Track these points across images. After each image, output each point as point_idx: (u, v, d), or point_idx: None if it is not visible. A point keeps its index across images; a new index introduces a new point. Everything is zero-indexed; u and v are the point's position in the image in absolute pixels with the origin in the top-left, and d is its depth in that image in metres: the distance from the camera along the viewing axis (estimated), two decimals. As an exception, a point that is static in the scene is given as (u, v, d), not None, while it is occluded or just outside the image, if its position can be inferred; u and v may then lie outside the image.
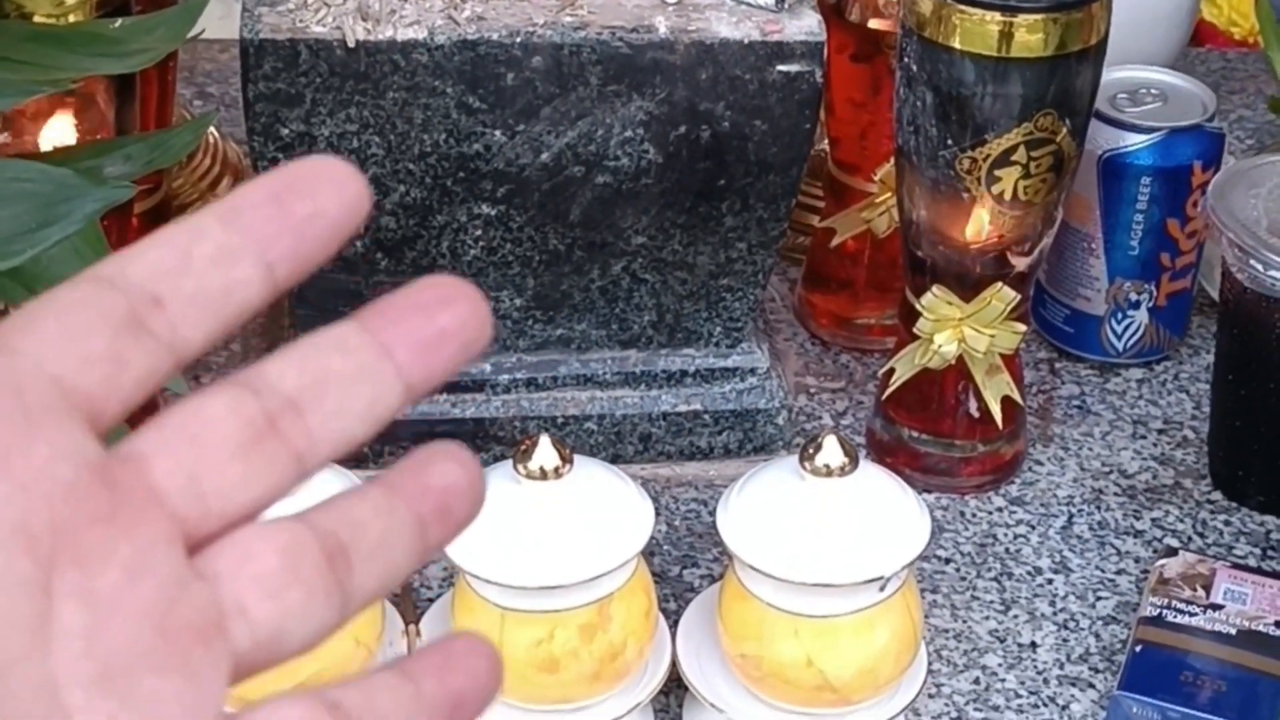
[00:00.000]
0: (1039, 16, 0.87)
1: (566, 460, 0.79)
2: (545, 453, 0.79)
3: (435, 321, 0.36)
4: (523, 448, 0.79)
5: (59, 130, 0.92)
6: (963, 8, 0.87)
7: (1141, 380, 1.09)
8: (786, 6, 0.91)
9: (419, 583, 0.92)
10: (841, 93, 1.04)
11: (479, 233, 0.93)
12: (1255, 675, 0.87)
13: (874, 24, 1.02)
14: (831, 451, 0.79)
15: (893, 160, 1.03)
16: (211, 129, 1.20)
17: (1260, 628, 0.89)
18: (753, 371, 1.00)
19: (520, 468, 0.79)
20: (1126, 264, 1.05)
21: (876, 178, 1.05)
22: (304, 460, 0.35)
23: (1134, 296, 1.06)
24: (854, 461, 0.80)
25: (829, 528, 0.80)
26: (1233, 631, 0.88)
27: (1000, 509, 0.99)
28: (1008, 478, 1.01)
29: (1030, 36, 0.87)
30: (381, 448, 0.95)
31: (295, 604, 0.34)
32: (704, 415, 0.99)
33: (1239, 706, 0.85)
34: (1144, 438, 1.04)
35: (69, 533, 0.32)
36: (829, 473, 0.79)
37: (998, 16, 0.87)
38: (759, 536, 0.80)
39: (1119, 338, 1.08)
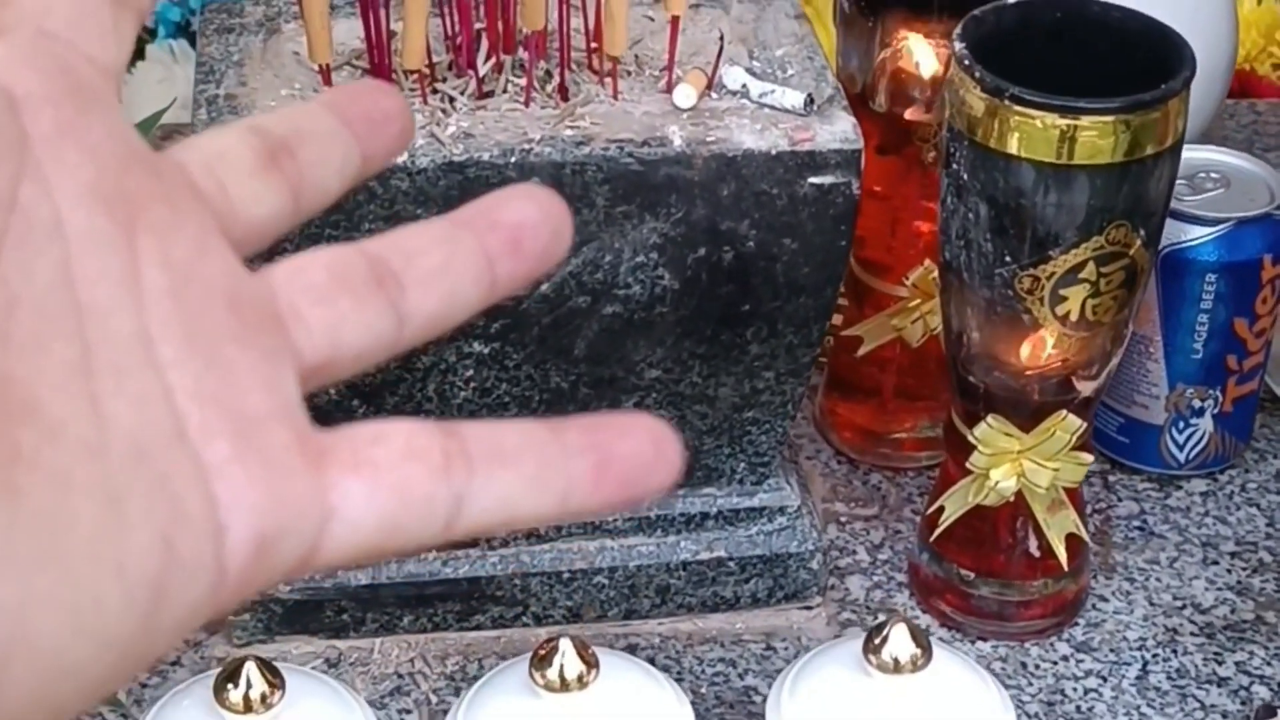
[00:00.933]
0: (1108, 118, 0.75)
1: (591, 665, 0.68)
2: (568, 658, 0.67)
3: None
4: (540, 653, 0.68)
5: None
6: (1021, 108, 0.76)
7: (1206, 493, 0.98)
8: (816, 108, 0.79)
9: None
10: (866, 187, 0.93)
11: (470, 373, 0.82)
12: None
13: (904, 114, 0.90)
14: (900, 642, 0.68)
15: (925, 264, 0.93)
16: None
17: (1379, 803, 0.78)
18: (782, 511, 0.88)
19: (537, 676, 0.67)
20: (1189, 368, 0.94)
21: (909, 281, 0.93)
22: (302, 184, 0.36)
23: (1197, 404, 0.95)
24: (927, 653, 0.68)
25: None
26: (1349, 810, 0.78)
27: (1066, 657, 0.88)
28: (1071, 619, 0.90)
29: (1099, 140, 0.76)
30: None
31: (348, 311, 0.34)
32: (729, 562, 0.88)
33: None
34: (1216, 563, 0.93)
35: (138, 202, 0.33)
36: (899, 667, 0.68)
37: (1060, 119, 0.76)
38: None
39: (1180, 448, 0.97)
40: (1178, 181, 0.92)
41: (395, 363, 0.80)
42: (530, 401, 0.83)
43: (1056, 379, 0.83)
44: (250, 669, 0.69)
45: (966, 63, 0.77)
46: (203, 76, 0.80)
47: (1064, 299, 0.79)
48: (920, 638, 0.68)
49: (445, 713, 0.79)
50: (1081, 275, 0.79)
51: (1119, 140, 0.76)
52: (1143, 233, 0.79)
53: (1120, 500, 0.97)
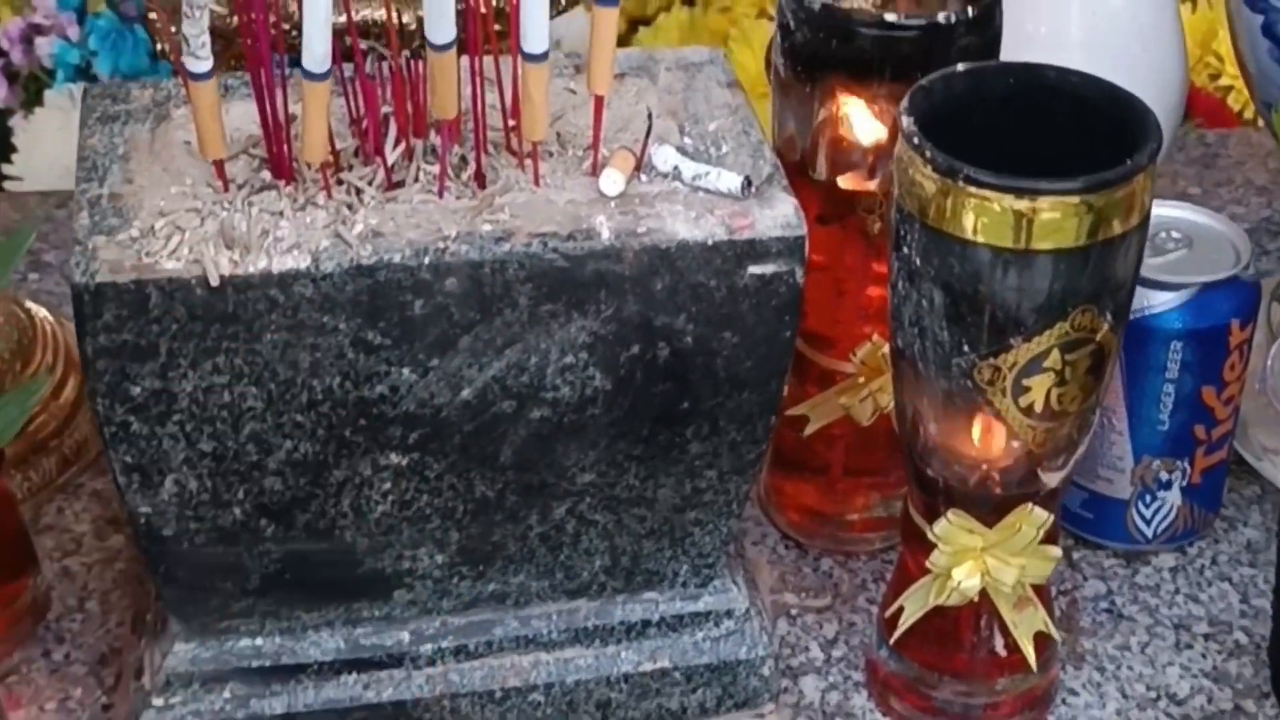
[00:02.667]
0: (1071, 199, 0.70)
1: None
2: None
3: None
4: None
5: None
6: (976, 189, 0.70)
7: (1175, 569, 0.92)
8: (754, 190, 0.73)
9: None
10: (808, 257, 0.87)
11: (388, 486, 0.75)
12: None
13: (844, 183, 0.84)
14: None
15: (874, 339, 0.87)
16: (46, 315, 1.01)
17: None
18: (729, 614, 0.82)
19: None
20: (1155, 440, 0.89)
21: (856, 358, 0.87)
22: None
23: (1164, 476, 0.90)
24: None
25: None
26: None
27: (1036, 760, 0.83)
28: (1040, 717, 0.84)
29: (1062, 221, 0.70)
30: None
31: None
32: (674, 673, 0.82)
33: None
34: (1190, 646, 0.88)
35: None
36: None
37: (1017, 201, 0.70)
38: None
39: (1148, 523, 0.91)
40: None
41: (305, 479, 0.74)
42: (454, 512, 0.76)
43: (1021, 472, 0.77)
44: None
45: (916, 141, 0.71)
46: (84, 174, 0.73)
47: (1027, 389, 0.73)
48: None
49: None
50: (1046, 364, 0.73)
51: (1082, 221, 0.70)
52: (1110, 316, 0.73)
53: (1086, 580, 0.91)
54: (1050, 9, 1.01)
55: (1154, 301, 0.86)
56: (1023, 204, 0.69)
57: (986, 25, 0.81)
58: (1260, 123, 1.17)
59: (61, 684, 0.85)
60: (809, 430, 0.90)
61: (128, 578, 0.89)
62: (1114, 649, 0.88)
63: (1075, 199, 0.69)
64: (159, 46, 0.94)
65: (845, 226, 0.85)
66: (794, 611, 0.89)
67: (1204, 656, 0.88)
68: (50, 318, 1.01)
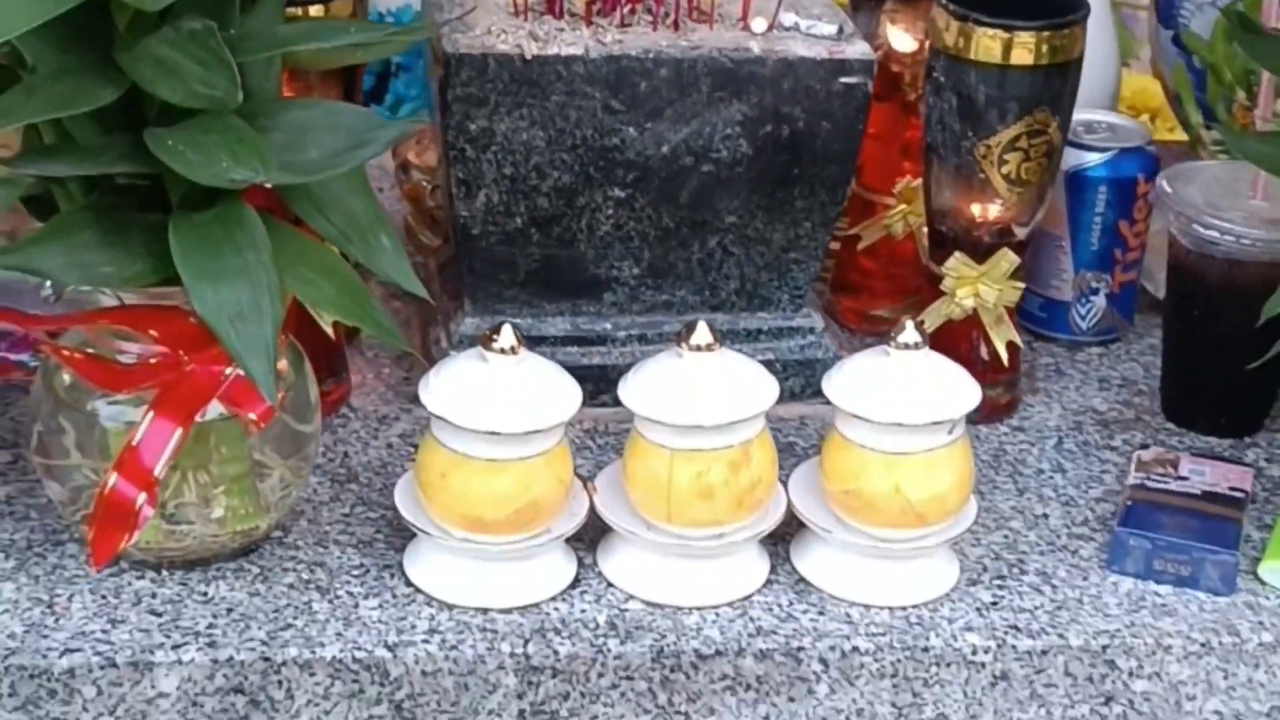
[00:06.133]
0: (1033, 34, 1.18)
1: (717, 341, 1.07)
2: (702, 333, 1.07)
3: None
4: (690, 332, 1.07)
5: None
6: (978, 28, 1.18)
7: (1102, 355, 1.38)
8: (845, 37, 1.21)
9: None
10: (867, 130, 1.34)
11: (610, 212, 1.21)
12: (1216, 519, 1.15)
13: (893, 67, 1.32)
14: (911, 334, 1.08)
15: (906, 178, 1.34)
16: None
17: (1217, 490, 1.18)
18: (811, 330, 1.28)
19: (683, 345, 1.07)
20: (1088, 258, 1.36)
21: (896, 190, 1.34)
22: None
23: (1094, 285, 1.36)
24: (925, 340, 1.08)
25: (909, 387, 1.08)
26: (1197, 492, 1.17)
27: (1005, 434, 1.28)
28: (1009, 415, 1.29)
29: (1027, 50, 1.18)
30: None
31: None
32: (775, 364, 1.27)
33: (1205, 537, 1.13)
34: (1109, 390, 1.34)
35: None
36: (909, 347, 1.08)
37: (1001, 34, 1.18)
38: (859, 393, 1.08)
39: (1083, 319, 1.37)
40: (1079, 127, 1.34)
41: (562, 200, 1.20)
42: (648, 236, 1.23)
43: (1000, 226, 1.23)
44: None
45: (944, 2, 1.19)
46: (437, 6, 1.21)
47: (1007, 162, 1.20)
48: (924, 334, 1.09)
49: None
50: (1018, 145, 1.20)
51: (1041, 50, 1.18)
52: (1057, 119, 1.20)
53: (1041, 357, 1.37)
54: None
55: (1087, 160, 1.33)
56: (1006, 36, 1.17)
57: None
58: (1191, 146, 1.63)
59: (372, 366, 1.30)
60: (862, 245, 1.36)
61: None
62: (1058, 389, 1.34)
63: (1036, 35, 1.17)
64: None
65: (892, 102, 1.33)
66: (848, 361, 1.35)
67: (1118, 395, 1.33)
68: None
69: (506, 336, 1.06)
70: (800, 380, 1.28)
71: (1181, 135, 1.61)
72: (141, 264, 0.96)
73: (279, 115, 0.98)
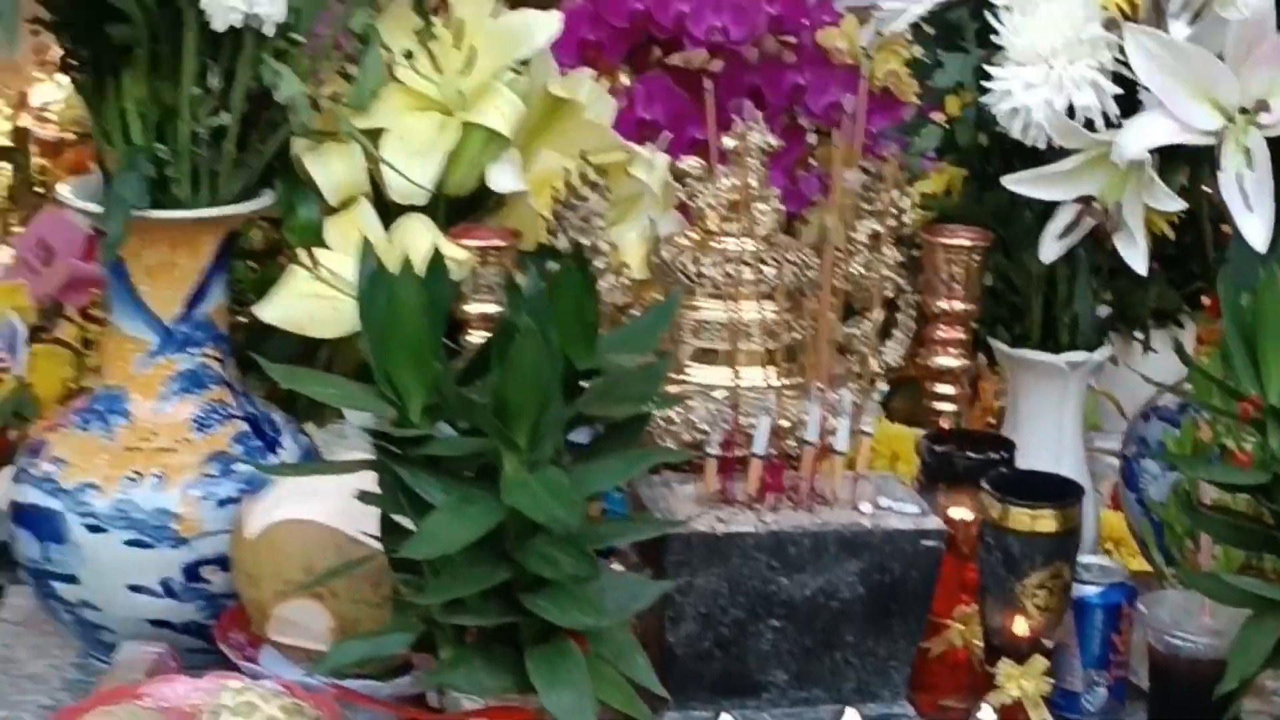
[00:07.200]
0: (1051, 511, 1.77)
1: None
2: (850, 715, 1.63)
3: None
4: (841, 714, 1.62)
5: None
6: (1012, 506, 1.77)
7: (1104, 728, 1.94)
8: (924, 512, 1.80)
9: None
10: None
11: (769, 636, 1.78)
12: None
13: (952, 529, 1.91)
14: (989, 713, 1.65)
15: (962, 608, 1.92)
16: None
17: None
18: (906, 716, 1.84)
19: (838, 723, 1.63)
20: (1091, 660, 1.93)
21: (955, 615, 1.92)
22: None
23: (1097, 679, 1.93)
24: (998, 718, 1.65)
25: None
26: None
27: (1044, 785, 1.83)
28: (1045, 771, 1.85)
29: (1048, 521, 1.77)
30: None
31: None
32: (881, 739, 1.83)
33: None
34: (1112, 754, 1.89)
35: None
36: (985, 722, 1.65)
37: (1029, 510, 1.77)
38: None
39: (1090, 704, 1.93)
40: (1079, 566, 1.93)
41: (736, 630, 1.77)
42: (794, 652, 1.79)
43: (1033, 639, 1.81)
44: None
45: (987, 488, 1.79)
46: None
47: (1037, 595, 1.78)
48: None
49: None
50: (1044, 584, 1.78)
51: (1058, 524, 1.77)
52: (1068, 565, 1.79)
53: (1062, 731, 1.94)
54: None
55: (1088, 592, 1.91)
56: (1033, 513, 1.77)
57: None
58: (1157, 576, 2.20)
59: None
60: (932, 654, 1.93)
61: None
62: (1077, 753, 1.89)
63: (1054, 511, 1.77)
64: None
65: (950, 551, 1.91)
66: (927, 738, 1.91)
67: (1118, 756, 1.89)
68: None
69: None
70: (889, 755, 1.84)
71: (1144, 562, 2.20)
72: (509, 680, 1.53)
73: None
